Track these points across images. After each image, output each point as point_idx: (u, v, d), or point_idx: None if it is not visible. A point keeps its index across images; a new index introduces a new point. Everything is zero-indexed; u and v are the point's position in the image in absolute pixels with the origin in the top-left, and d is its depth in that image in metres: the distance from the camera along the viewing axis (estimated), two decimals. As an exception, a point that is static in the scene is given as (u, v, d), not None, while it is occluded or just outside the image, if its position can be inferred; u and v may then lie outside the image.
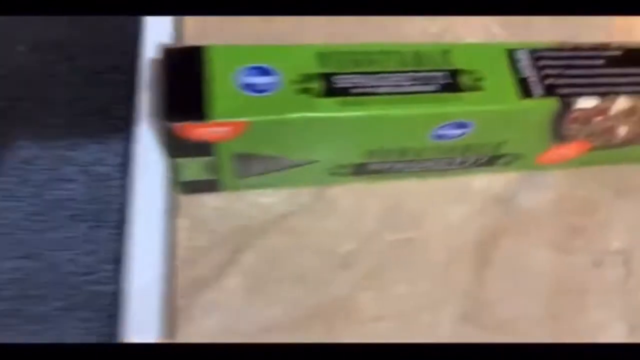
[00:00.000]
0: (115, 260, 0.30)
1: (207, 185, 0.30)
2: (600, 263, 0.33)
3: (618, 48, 0.30)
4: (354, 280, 0.30)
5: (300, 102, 0.25)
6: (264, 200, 0.31)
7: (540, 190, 0.35)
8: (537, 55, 0.29)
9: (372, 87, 0.26)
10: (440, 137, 0.29)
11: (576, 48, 0.30)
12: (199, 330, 0.28)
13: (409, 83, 0.27)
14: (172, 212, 0.31)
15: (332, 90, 0.26)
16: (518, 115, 0.28)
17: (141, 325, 0.28)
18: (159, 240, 0.30)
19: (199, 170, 0.28)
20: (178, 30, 0.35)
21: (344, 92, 0.26)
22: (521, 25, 0.39)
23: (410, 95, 0.27)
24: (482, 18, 0.39)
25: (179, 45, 0.26)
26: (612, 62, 0.30)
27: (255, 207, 0.31)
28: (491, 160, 0.32)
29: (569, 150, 0.33)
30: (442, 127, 0.28)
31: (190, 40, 0.35)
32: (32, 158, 0.31)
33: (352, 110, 0.26)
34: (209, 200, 0.31)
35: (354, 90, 0.26)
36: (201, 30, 0.36)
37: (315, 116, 0.26)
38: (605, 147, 0.33)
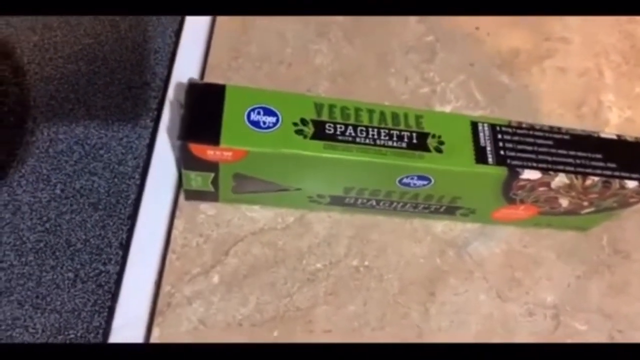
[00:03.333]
0: (121, 246, 0.35)
1: (207, 195, 0.36)
2: (533, 313, 0.38)
3: (567, 133, 0.36)
4: (315, 295, 0.36)
5: (293, 141, 0.31)
6: (252, 214, 0.37)
7: (492, 242, 0.40)
8: (497, 129, 0.35)
9: (354, 136, 0.32)
10: (405, 184, 0.34)
11: (531, 128, 0.35)
12: (179, 314, 0.34)
13: (384, 137, 0.33)
14: (174, 213, 0.36)
15: (321, 134, 0.32)
16: (472, 177, 0.34)
17: (133, 302, 0.33)
18: (160, 235, 0.36)
19: (203, 182, 0.34)
20: (203, 64, 0.41)
21: (330, 137, 0.32)
22: (496, 97, 0.45)
23: (383, 148, 0.32)
24: (467, 86, 0.46)
25: (204, 81, 0.32)
26: (559, 143, 0.35)
27: (243, 220, 0.37)
28: (450, 210, 0.38)
29: (519, 211, 0.38)
30: (407, 177, 0.33)
31: (211, 73, 0.42)
32: (67, 150, 0.37)
33: (334, 153, 0.32)
34: (206, 208, 0.37)
35: (339, 137, 0.32)
36: (225, 68, 0.42)
37: (303, 154, 0.31)
38: (552, 213, 0.39)
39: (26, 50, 0.39)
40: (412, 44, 0.47)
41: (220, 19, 0.44)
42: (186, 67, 0.41)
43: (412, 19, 0.48)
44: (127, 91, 0.40)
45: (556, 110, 0.46)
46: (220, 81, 0.32)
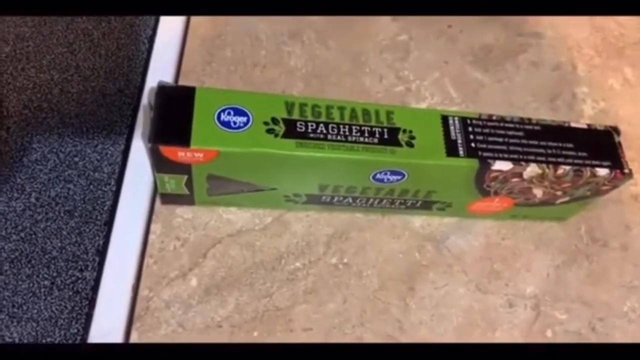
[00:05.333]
0: (97, 252, 0.35)
1: (182, 199, 0.36)
2: (513, 305, 0.39)
3: (537, 123, 0.36)
4: (294, 295, 0.36)
5: (264, 140, 0.31)
6: (229, 216, 0.37)
7: (470, 235, 0.40)
8: (467, 122, 0.35)
9: (325, 133, 0.32)
10: (379, 180, 0.34)
11: (502, 120, 0.36)
12: (158, 318, 0.34)
13: (355, 134, 0.33)
14: (150, 218, 0.36)
15: (292, 133, 0.32)
16: (444, 170, 0.34)
17: (111, 308, 0.33)
18: (137, 240, 0.36)
19: (177, 185, 0.34)
20: (177, 69, 0.42)
21: (302, 135, 0.32)
22: (471, 93, 0.46)
23: (355, 144, 0.32)
24: (442, 83, 0.46)
25: (174, 84, 0.32)
26: (530, 134, 0.35)
27: (220, 222, 0.37)
28: (427, 204, 0.38)
29: (495, 203, 0.39)
30: (380, 172, 0.34)
31: (185, 78, 0.42)
32: (41, 159, 0.37)
33: (306, 151, 0.32)
34: (182, 212, 0.37)
35: (311, 135, 0.32)
36: (199, 73, 0.42)
37: (275, 152, 0.31)
38: (527, 204, 0.39)
39: (-2, 61, 0.39)
40: (386, 44, 0.47)
41: (194, 24, 0.44)
42: (160, 73, 0.41)
43: (386, 19, 0.48)
44: (101, 98, 0.40)
45: (531, 104, 0.47)
46: (194, 85, 0.32)
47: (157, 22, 0.43)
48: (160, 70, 0.41)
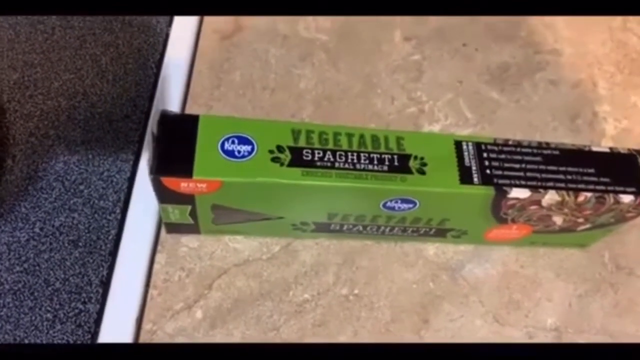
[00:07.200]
0: (101, 283, 0.34)
1: (187, 228, 0.35)
2: (533, 337, 0.37)
3: (556, 148, 0.34)
4: (302, 328, 0.34)
5: (269, 169, 0.30)
6: (235, 245, 0.36)
7: (487, 264, 0.39)
8: (482, 148, 0.33)
9: (333, 161, 0.31)
10: (390, 208, 0.33)
11: (518, 145, 0.34)
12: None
13: (364, 161, 0.32)
14: (155, 247, 0.35)
15: (298, 161, 0.31)
16: (457, 198, 0.32)
17: (114, 342, 0.32)
18: (142, 271, 0.35)
19: (181, 215, 0.33)
20: (185, 93, 0.41)
21: (308, 163, 0.31)
22: (487, 114, 0.44)
23: (364, 172, 0.31)
24: (456, 104, 0.45)
25: (177, 112, 0.31)
26: (549, 159, 0.34)
27: (227, 251, 0.36)
28: (441, 232, 0.37)
29: (513, 231, 0.37)
30: (390, 200, 0.32)
31: (193, 102, 0.41)
32: (46, 187, 0.37)
33: (312, 180, 0.31)
34: (188, 241, 0.36)
35: (317, 163, 0.31)
36: (207, 97, 0.42)
37: (280, 182, 0.30)
38: (547, 231, 0.37)
39: (6, 88, 0.39)
40: (398, 64, 0.46)
41: (202, 47, 0.44)
42: (168, 98, 0.41)
43: (398, 38, 0.47)
44: (108, 125, 0.39)
45: (550, 124, 0.45)
46: (202, 110, 0.31)
47: (165, 46, 0.43)
48: (168, 95, 0.41)
